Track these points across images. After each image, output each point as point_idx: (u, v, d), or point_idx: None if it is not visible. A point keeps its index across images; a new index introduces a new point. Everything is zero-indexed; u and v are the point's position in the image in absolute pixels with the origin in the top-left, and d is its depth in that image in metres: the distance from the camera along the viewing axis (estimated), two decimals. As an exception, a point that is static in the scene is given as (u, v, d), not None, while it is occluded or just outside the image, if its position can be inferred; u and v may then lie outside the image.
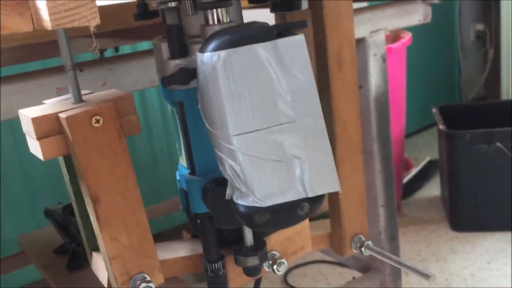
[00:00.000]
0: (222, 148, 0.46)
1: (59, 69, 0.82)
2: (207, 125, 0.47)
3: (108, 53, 1.71)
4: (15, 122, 1.59)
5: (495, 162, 1.77)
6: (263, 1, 0.67)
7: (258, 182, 0.46)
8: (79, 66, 0.83)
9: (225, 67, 0.44)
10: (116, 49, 1.73)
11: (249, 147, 0.46)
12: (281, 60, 0.45)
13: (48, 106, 0.53)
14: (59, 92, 0.82)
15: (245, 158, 0.46)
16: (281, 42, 0.45)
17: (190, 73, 0.51)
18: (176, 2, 0.54)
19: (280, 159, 0.47)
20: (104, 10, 0.77)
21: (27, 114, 0.51)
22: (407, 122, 2.18)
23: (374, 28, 1.11)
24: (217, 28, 0.53)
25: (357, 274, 1.62)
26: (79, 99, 0.54)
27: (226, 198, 0.50)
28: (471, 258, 1.73)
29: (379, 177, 1.19)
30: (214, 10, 0.53)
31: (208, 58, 0.44)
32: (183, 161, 0.63)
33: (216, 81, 0.44)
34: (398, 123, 1.96)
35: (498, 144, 1.74)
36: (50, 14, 0.33)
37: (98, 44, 0.39)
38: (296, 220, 0.49)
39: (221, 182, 0.55)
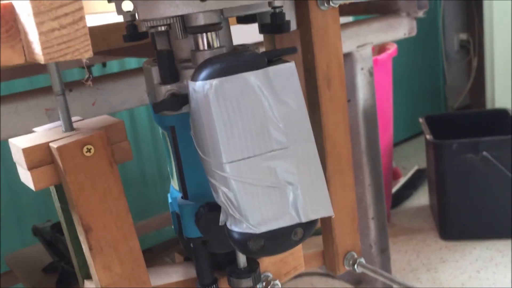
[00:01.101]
0: (215, 175, 0.46)
1: (47, 90, 0.81)
2: (199, 153, 0.47)
3: (95, 69, 1.71)
4: (2, 142, 1.57)
5: (482, 171, 1.79)
6: (251, 21, 0.68)
7: (251, 209, 0.46)
8: (68, 87, 0.82)
9: (217, 95, 0.44)
10: (104, 64, 1.73)
11: (242, 174, 0.46)
12: (272, 88, 0.45)
13: (39, 135, 0.53)
14: (48, 112, 0.81)
15: (239, 185, 0.46)
16: (272, 69, 0.45)
17: (181, 99, 0.51)
18: (166, 26, 0.54)
19: (273, 185, 0.47)
20: (91, 31, 0.77)
21: (18, 144, 0.50)
22: (394, 131, 2.19)
23: (360, 43, 1.12)
24: (207, 53, 0.53)
25: (348, 286, 1.62)
26: (69, 127, 0.53)
27: (220, 224, 0.50)
28: (461, 267, 1.74)
29: (369, 190, 1.19)
30: (204, 34, 0.53)
31: (200, 87, 0.44)
32: (174, 184, 0.63)
33: (208, 109, 0.44)
34: (386, 133, 1.97)
35: (484, 153, 1.76)
36: (43, 49, 0.33)
37: (91, 75, 0.39)
38: (290, 245, 0.49)
39: (214, 207, 0.55)
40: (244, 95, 0.45)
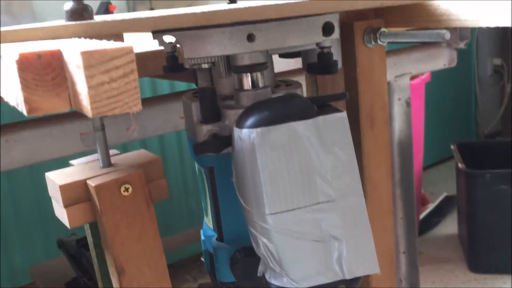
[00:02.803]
0: (256, 226, 0.44)
1: (83, 114, 0.80)
2: (241, 201, 0.45)
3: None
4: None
5: (516, 204, 1.73)
6: (295, 56, 0.66)
7: (293, 263, 0.44)
8: (102, 110, 0.81)
9: (264, 145, 0.42)
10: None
11: (285, 226, 0.44)
12: (322, 138, 0.43)
13: (76, 170, 0.51)
14: (83, 137, 0.81)
15: (281, 237, 0.44)
16: (323, 119, 0.43)
17: (223, 142, 0.49)
18: (209, 64, 0.53)
19: (317, 239, 0.44)
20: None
21: (55, 180, 0.49)
22: (423, 155, 2.14)
23: (399, 73, 1.09)
24: (252, 94, 0.51)
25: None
26: (107, 163, 0.52)
27: (258, 275, 0.47)
28: (491, 302, 1.68)
29: (401, 223, 1.15)
30: (249, 74, 0.52)
31: (246, 135, 0.42)
32: (208, 222, 0.61)
33: (253, 159, 0.42)
34: (416, 159, 1.93)
35: (519, 185, 1.70)
36: (91, 103, 0.31)
37: (136, 127, 0.38)
38: (332, 302, 0.46)
39: (251, 252, 0.53)
40: (292, 145, 0.42)
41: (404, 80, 1.10)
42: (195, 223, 1.95)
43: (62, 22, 0.50)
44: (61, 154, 0.78)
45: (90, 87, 0.31)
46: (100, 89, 0.31)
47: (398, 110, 1.11)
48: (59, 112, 0.35)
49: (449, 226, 2.19)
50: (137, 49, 0.79)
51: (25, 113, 0.33)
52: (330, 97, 0.46)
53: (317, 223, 0.44)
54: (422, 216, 2.20)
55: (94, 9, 0.50)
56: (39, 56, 0.33)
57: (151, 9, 1.87)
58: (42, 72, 0.33)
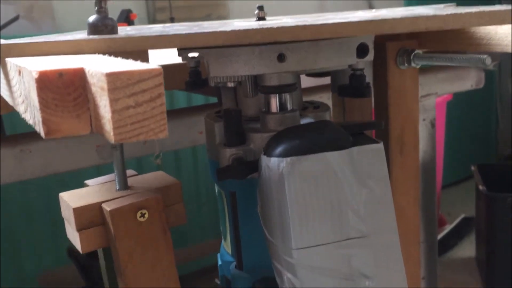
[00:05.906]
0: (281, 260, 0.41)
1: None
2: (266, 233, 0.42)
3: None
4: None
5: (538, 230, 1.68)
6: (323, 75, 0.63)
7: (319, 301, 0.41)
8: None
9: (293, 175, 0.39)
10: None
11: (312, 262, 0.40)
12: (356, 170, 0.40)
13: (91, 192, 0.49)
14: (98, 149, 0.78)
15: (307, 273, 0.41)
16: (358, 150, 0.40)
17: (248, 168, 0.46)
18: (235, 83, 0.50)
19: (346, 277, 0.41)
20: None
21: (69, 202, 0.46)
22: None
23: (424, 93, 1.06)
24: (279, 117, 0.48)
25: None
26: (124, 185, 0.49)
27: (281, 311, 0.44)
28: (509, 331, 1.62)
29: (422, 248, 1.11)
30: (277, 95, 0.49)
31: (274, 164, 0.40)
32: (227, 246, 0.58)
33: (282, 190, 0.39)
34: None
35: (542, 211, 1.65)
36: (114, 128, 0.28)
37: (161, 155, 0.35)
38: None
39: (271, 282, 0.50)
40: (324, 176, 0.40)
41: (429, 101, 1.07)
42: (207, 235, 1.92)
43: (84, 34, 0.48)
44: (76, 166, 0.76)
45: (114, 111, 0.28)
46: (125, 113, 0.28)
47: (422, 131, 1.07)
48: (78, 134, 0.32)
49: (466, 248, 2.14)
50: (157, 62, 0.76)
51: (42, 135, 0.31)
52: (363, 126, 0.43)
53: (346, 260, 0.41)
54: (439, 237, 2.15)
55: (116, 17, 0.48)
56: (60, 74, 0.30)
57: (171, 18, 1.85)
58: (63, 91, 0.31)
